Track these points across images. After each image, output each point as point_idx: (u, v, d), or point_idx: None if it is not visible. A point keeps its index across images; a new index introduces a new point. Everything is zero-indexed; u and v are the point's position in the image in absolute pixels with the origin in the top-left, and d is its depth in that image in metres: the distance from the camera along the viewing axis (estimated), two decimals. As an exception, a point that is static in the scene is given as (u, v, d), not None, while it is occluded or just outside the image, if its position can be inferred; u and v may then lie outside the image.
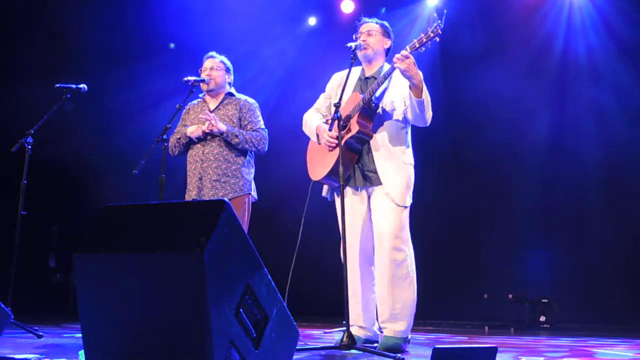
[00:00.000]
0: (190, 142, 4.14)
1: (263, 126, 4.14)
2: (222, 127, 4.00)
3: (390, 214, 3.49)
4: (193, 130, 4.05)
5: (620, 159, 6.10)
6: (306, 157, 3.83)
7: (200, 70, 4.20)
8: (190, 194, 4.06)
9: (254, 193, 4.14)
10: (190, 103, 4.28)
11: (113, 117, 7.36)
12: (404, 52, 3.28)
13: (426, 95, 3.42)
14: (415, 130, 3.74)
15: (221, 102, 4.18)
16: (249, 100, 4.21)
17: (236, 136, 3.99)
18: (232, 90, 4.26)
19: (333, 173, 3.56)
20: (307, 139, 3.86)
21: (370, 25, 3.72)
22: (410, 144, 3.66)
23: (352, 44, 3.54)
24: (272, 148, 6.85)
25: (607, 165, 6.13)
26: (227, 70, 4.25)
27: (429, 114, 3.49)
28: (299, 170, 3.92)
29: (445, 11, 3.27)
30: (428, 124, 3.55)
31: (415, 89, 3.37)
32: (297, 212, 3.67)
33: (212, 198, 3.96)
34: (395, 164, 3.53)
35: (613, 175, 6.12)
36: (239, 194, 4.03)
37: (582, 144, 6.25)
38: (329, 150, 3.61)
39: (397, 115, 3.57)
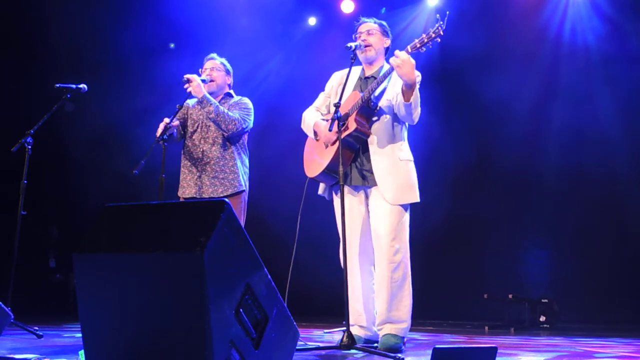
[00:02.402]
0: (184, 134, 4.18)
1: (244, 119, 4.11)
2: (203, 90, 4.01)
3: (386, 214, 3.48)
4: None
5: (622, 159, 6.10)
6: (302, 155, 3.84)
7: (201, 70, 4.24)
8: (185, 191, 4.08)
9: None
10: (186, 103, 4.27)
11: (113, 117, 7.35)
12: (401, 52, 3.28)
13: (415, 98, 3.38)
14: (415, 129, 3.74)
15: (219, 103, 4.19)
16: (244, 99, 4.26)
17: (211, 104, 3.98)
18: (232, 92, 4.31)
19: (329, 170, 3.57)
20: (306, 137, 3.86)
21: (370, 25, 3.72)
22: (406, 140, 3.64)
23: (352, 44, 3.54)
24: (271, 147, 6.91)
25: (607, 165, 6.13)
26: (227, 72, 4.30)
27: (416, 114, 3.45)
28: (298, 170, 3.93)
29: (447, 12, 3.27)
30: (415, 123, 3.52)
31: (407, 90, 3.35)
32: (296, 212, 3.66)
33: (212, 195, 4.01)
34: (389, 162, 3.51)
35: (614, 175, 6.11)
36: (239, 189, 4.07)
37: (582, 144, 6.25)
38: (326, 148, 3.61)
39: (392, 111, 3.56)
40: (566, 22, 6.48)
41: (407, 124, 3.65)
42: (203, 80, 4.12)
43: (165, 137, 3.88)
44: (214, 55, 4.30)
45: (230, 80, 4.31)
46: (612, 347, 3.95)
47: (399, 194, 3.50)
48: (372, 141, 3.54)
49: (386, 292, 3.45)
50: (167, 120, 3.92)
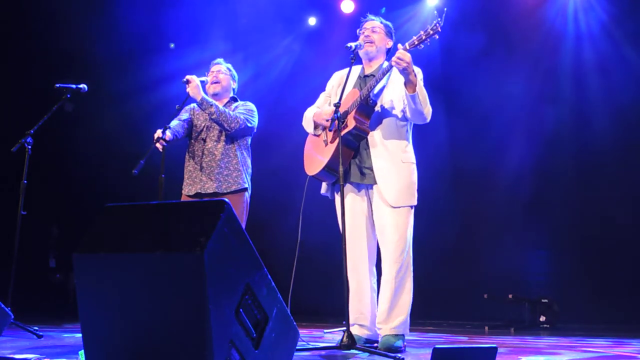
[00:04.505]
0: (190, 134, 4.21)
1: (248, 119, 4.14)
2: (201, 92, 4.03)
3: (389, 216, 3.48)
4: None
5: (623, 158, 6.09)
6: (303, 154, 3.84)
7: (206, 74, 4.30)
8: (191, 189, 4.10)
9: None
10: (189, 106, 4.28)
11: (113, 117, 7.36)
12: (402, 52, 3.28)
13: (421, 90, 3.40)
14: (416, 130, 3.73)
15: (224, 106, 4.22)
16: (248, 102, 4.32)
17: (211, 105, 4.01)
18: (236, 97, 4.38)
19: (329, 168, 3.57)
20: (307, 136, 3.86)
21: (375, 23, 3.73)
22: (410, 142, 3.65)
23: (352, 44, 3.54)
24: (271, 147, 6.90)
25: (609, 164, 6.12)
26: (232, 77, 4.39)
27: (427, 110, 3.47)
28: (299, 170, 3.93)
29: (445, 9, 3.27)
30: (428, 120, 3.53)
31: (410, 84, 3.36)
32: (297, 209, 3.66)
33: (216, 191, 4.05)
34: (392, 163, 3.51)
35: (615, 174, 6.11)
36: (242, 186, 4.10)
37: (582, 143, 6.24)
38: (325, 145, 3.61)
39: (396, 112, 3.56)
40: (568, 19, 6.47)
41: (410, 125, 3.65)
42: (202, 82, 4.15)
43: (164, 137, 3.88)
44: (221, 60, 4.39)
45: (235, 85, 4.40)
46: (612, 347, 3.95)
47: (400, 196, 3.50)
48: (375, 142, 3.54)
49: (389, 292, 3.47)
50: (159, 132, 3.92)
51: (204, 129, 4.18)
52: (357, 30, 3.75)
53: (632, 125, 6.07)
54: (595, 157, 6.17)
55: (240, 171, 4.11)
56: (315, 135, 3.77)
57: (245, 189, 4.14)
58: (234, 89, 4.39)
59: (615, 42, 6.22)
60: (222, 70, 4.31)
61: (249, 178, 4.21)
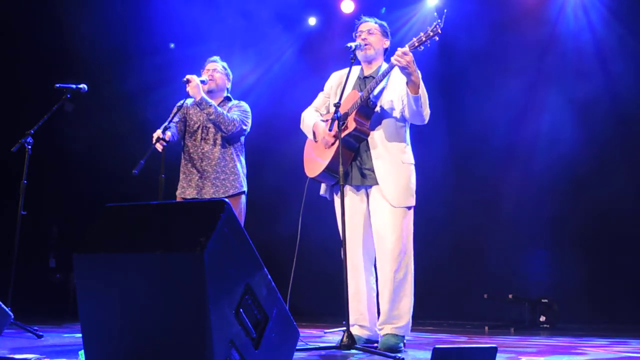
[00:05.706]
0: (184, 137, 4.20)
1: (243, 121, 4.14)
2: (201, 92, 4.03)
3: (388, 215, 3.49)
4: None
5: (625, 157, 6.09)
6: (303, 156, 3.84)
7: (202, 71, 4.27)
8: (186, 192, 4.10)
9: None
10: (186, 102, 4.28)
11: (112, 117, 7.35)
12: (403, 49, 3.28)
13: (423, 92, 3.42)
14: (416, 130, 3.73)
15: (218, 105, 4.22)
16: (242, 103, 4.32)
17: (210, 106, 4.00)
18: (230, 96, 4.38)
19: (329, 170, 3.57)
20: (305, 137, 3.86)
21: (370, 25, 3.73)
22: (409, 143, 3.66)
23: (352, 44, 3.54)
24: (270, 147, 6.91)
25: (610, 164, 6.12)
26: (227, 76, 4.38)
27: (426, 111, 3.48)
28: (298, 171, 3.93)
29: (445, 10, 3.27)
30: (426, 122, 3.54)
31: (412, 85, 3.37)
32: (296, 211, 3.67)
33: (213, 196, 4.05)
34: (392, 163, 3.52)
35: (616, 174, 6.10)
36: (239, 189, 4.11)
37: (583, 142, 6.24)
38: (325, 148, 3.61)
39: (396, 113, 3.56)
40: (568, 17, 6.47)
41: (408, 126, 3.65)
42: (202, 81, 4.14)
43: (164, 137, 3.88)
44: (216, 58, 4.38)
45: (229, 84, 4.39)
46: (612, 347, 3.95)
47: (401, 196, 3.50)
48: (375, 143, 3.54)
49: (388, 293, 3.47)
50: (159, 132, 3.91)
51: (199, 129, 4.16)
52: (353, 34, 3.74)
53: (634, 123, 6.07)
54: (596, 156, 6.16)
55: (237, 174, 4.12)
56: (314, 140, 3.77)
57: (243, 192, 4.15)
58: (228, 89, 4.38)
59: (616, 38, 6.21)
60: (218, 69, 4.30)
61: (245, 180, 4.21)
